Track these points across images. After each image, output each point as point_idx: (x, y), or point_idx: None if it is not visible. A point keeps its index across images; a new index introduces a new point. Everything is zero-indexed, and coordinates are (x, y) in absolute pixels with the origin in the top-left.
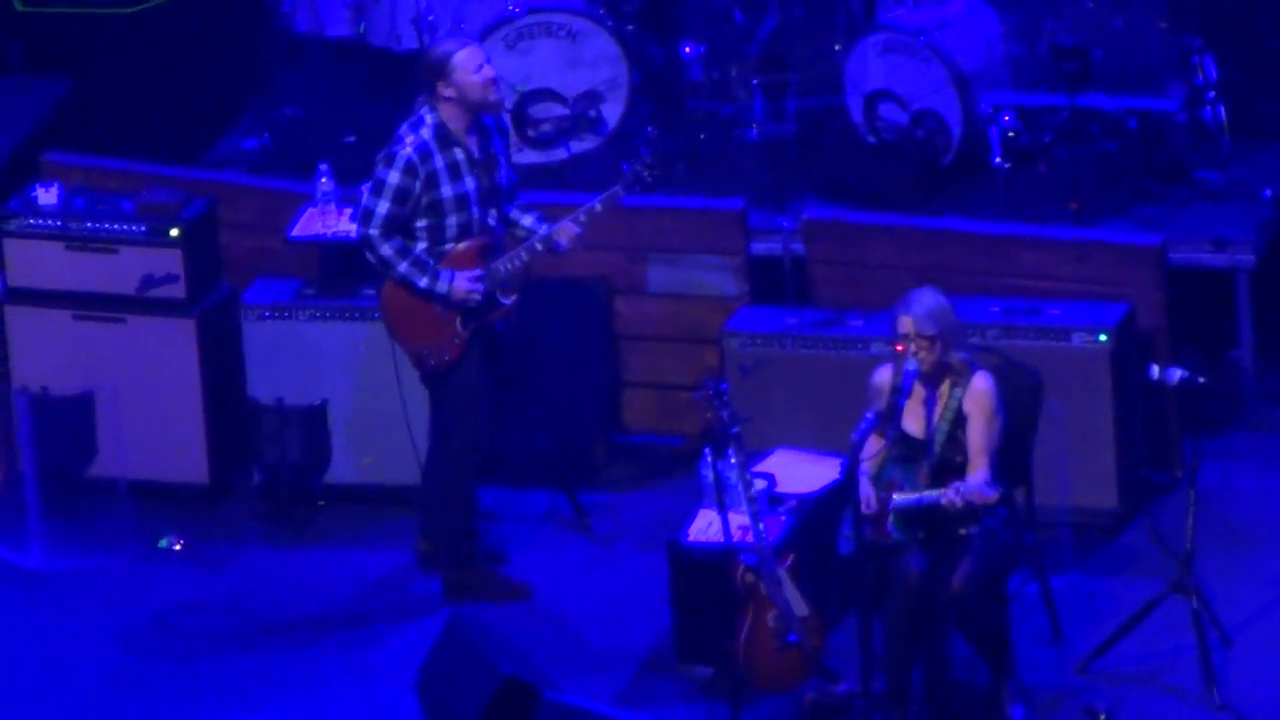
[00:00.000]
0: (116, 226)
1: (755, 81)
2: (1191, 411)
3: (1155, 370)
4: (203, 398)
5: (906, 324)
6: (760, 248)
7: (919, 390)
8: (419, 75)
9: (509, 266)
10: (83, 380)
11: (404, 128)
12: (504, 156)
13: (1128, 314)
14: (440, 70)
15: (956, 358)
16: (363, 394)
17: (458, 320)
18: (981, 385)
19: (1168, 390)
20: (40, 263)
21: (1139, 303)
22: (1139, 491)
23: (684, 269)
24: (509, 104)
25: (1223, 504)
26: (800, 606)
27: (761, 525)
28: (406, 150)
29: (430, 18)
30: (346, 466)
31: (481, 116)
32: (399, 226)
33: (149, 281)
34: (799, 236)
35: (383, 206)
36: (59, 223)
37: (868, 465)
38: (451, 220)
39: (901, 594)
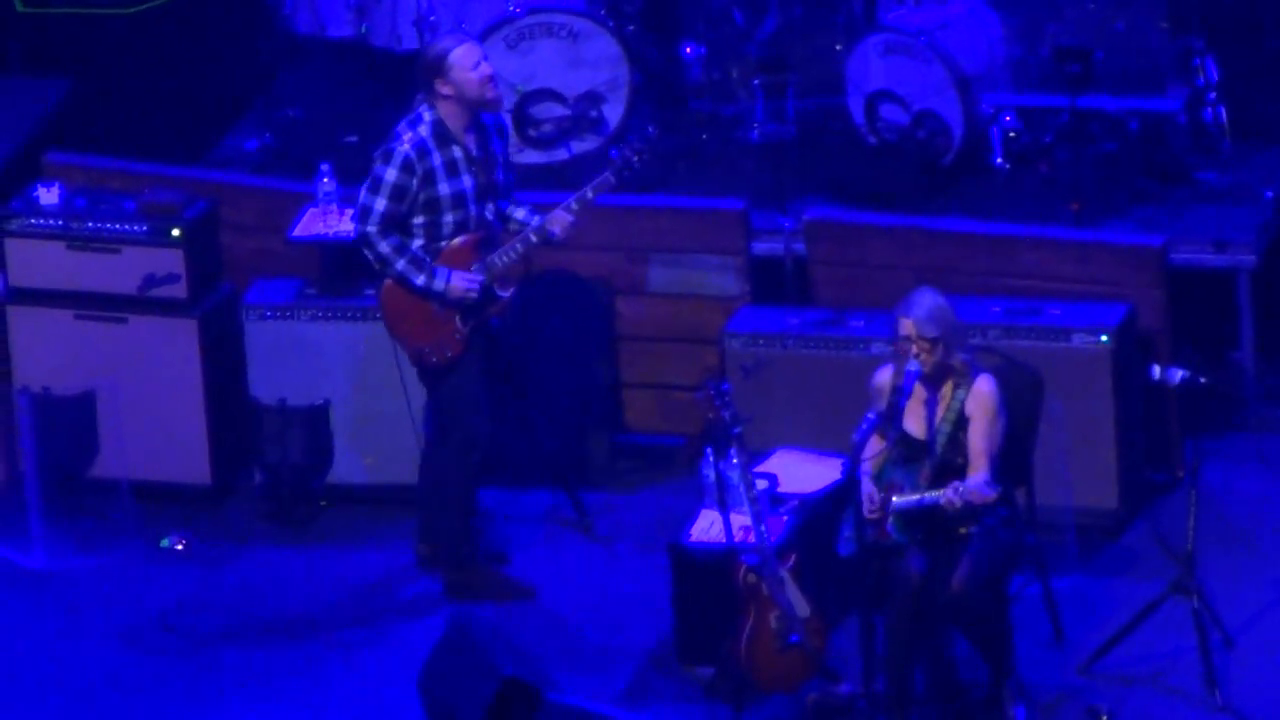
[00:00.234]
0: (118, 226)
1: (756, 82)
2: (1192, 412)
3: (1156, 371)
4: (204, 398)
5: (907, 327)
6: (761, 248)
7: (920, 391)
8: (417, 73)
9: (505, 260)
10: (84, 380)
11: (402, 125)
12: (501, 154)
13: (1129, 314)
14: (438, 68)
15: (958, 359)
16: (365, 394)
17: (457, 317)
18: (985, 387)
19: (1169, 391)
20: (42, 262)
21: (1140, 303)
22: (1140, 492)
23: (685, 269)
24: (509, 104)
25: (1224, 504)
26: (802, 607)
27: (763, 526)
28: (404, 147)
29: (432, 18)
30: (348, 466)
31: (479, 114)
32: (396, 224)
33: (151, 281)
34: (800, 237)
35: (380, 203)
36: (61, 222)
37: (869, 466)
38: (449, 218)
39: (903, 595)
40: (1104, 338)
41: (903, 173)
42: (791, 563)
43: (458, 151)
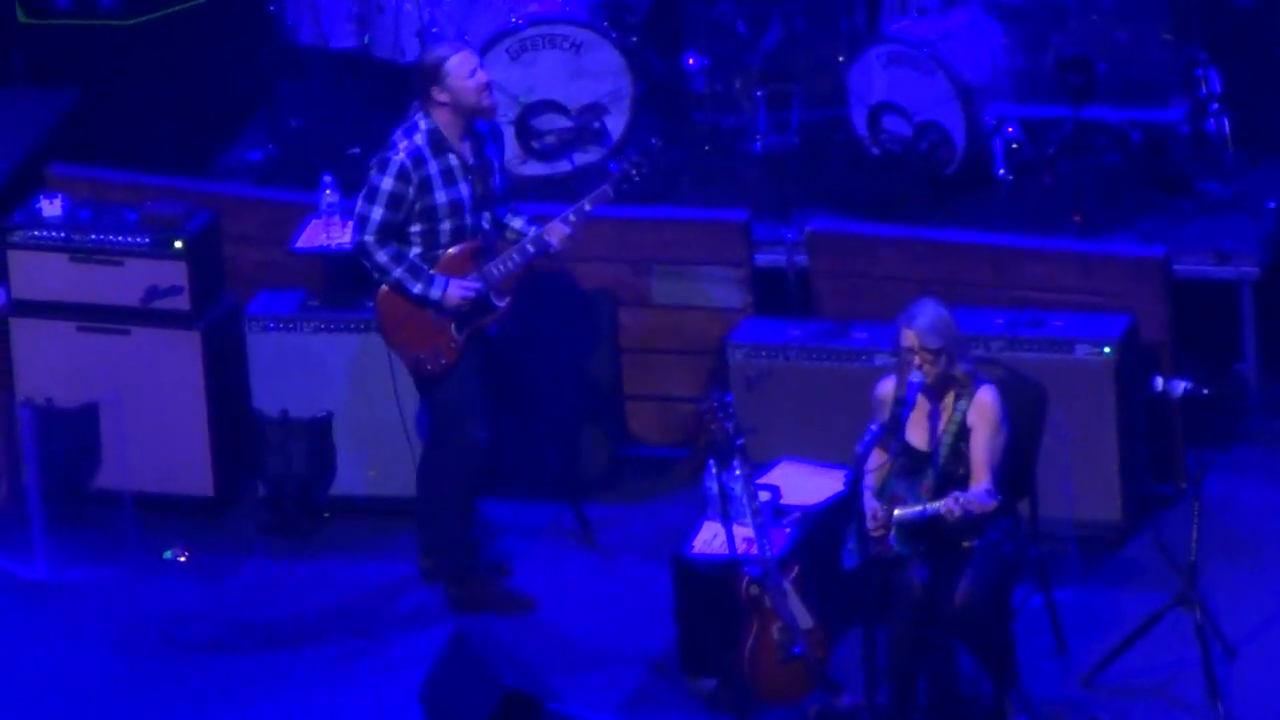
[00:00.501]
0: (121, 238)
1: (759, 93)
2: (1195, 424)
3: (1159, 382)
4: (207, 409)
5: (910, 338)
6: (764, 259)
7: (923, 403)
8: (413, 81)
9: (502, 269)
10: (87, 392)
11: (398, 134)
12: (498, 162)
13: (1131, 326)
14: (434, 75)
15: (960, 370)
16: (367, 405)
17: (452, 325)
18: (987, 398)
19: (1172, 402)
20: (45, 274)
21: (1143, 315)
22: (1143, 503)
23: (688, 281)
24: (512, 116)
25: (1227, 516)
26: (805, 618)
27: (766, 537)
28: (400, 156)
29: (434, 29)
30: (351, 478)
31: (475, 122)
32: (393, 232)
33: (153, 293)
34: (803, 248)
35: (376, 212)
36: (63, 234)
37: (872, 478)
38: (445, 225)
39: (905, 606)
40: (1107, 349)
41: (905, 184)
42: (794, 574)
43: (454, 159)
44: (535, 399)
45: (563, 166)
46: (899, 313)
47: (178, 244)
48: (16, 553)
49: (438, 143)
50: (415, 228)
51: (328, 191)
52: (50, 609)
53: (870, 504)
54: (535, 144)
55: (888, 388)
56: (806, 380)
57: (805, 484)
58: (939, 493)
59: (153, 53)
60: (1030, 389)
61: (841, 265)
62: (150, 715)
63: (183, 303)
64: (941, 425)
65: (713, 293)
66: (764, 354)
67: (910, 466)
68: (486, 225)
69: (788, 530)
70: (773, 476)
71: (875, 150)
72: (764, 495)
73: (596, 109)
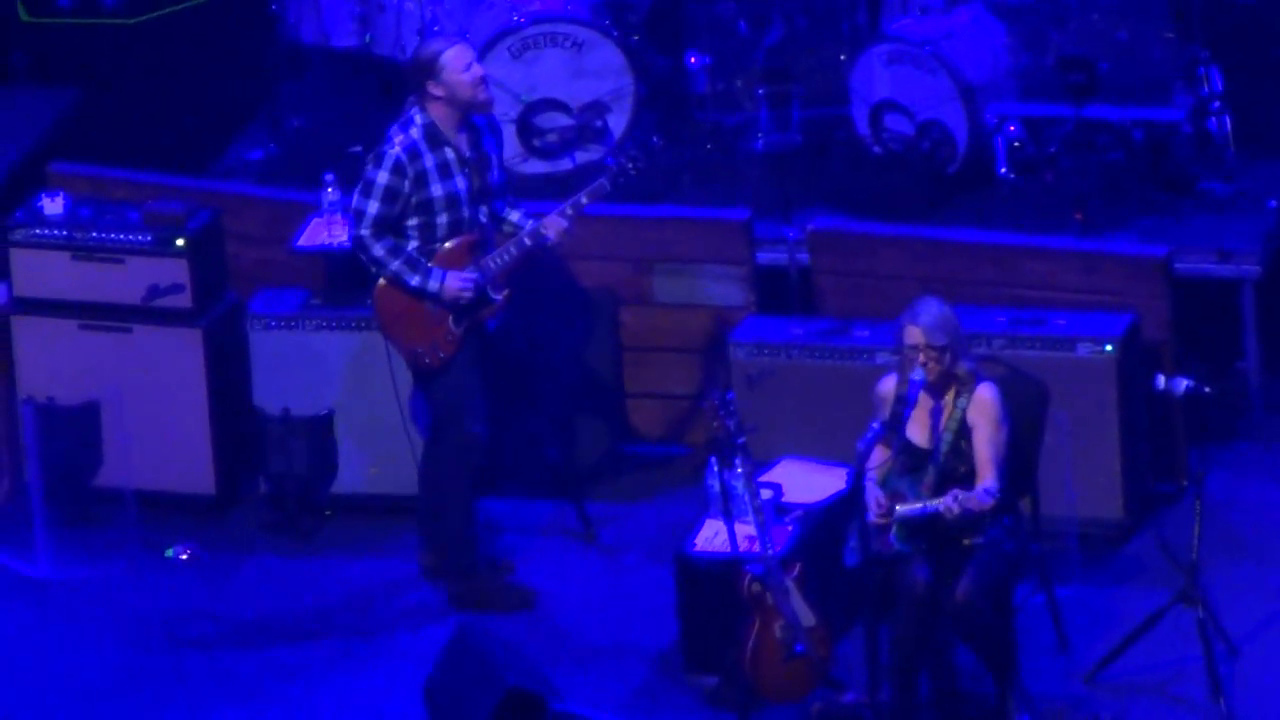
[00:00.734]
0: (122, 236)
1: (760, 92)
2: (1197, 422)
3: (1161, 380)
4: (209, 408)
5: (915, 335)
6: (766, 258)
7: (925, 400)
8: (408, 75)
9: (499, 262)
10: (89, 390)
11: (393, 128)
12: (495, 155)
13: (1133, 324)
14: (429, 69)
15: (962, 368)
16: (369, 403)
17: (450, 318)
18: (987, 395)
19: (1173, 400)
20: (46, 273)
21: (1144, 313)
22: (1145, 501)
23: (690, 279)
24: (514, 114)
25: (1229, 514)
26: (807, 616)
27: (768, 535)
28: (394, 150)
29: (436, 28)
30: (353, 476)
31: (472, 116)
32: (390, 226)
33: (155, 291)
34: (804, 247)
35: (372, 206)
36: (65, 232)
37: (874, 476)
38: (442, 219)
39: (907, 604)
40: (1108, 347)
41: (907, 183)
42: (796, 572)
43: (450, 153)
44: (537, 397)
45: (564, 165)
46: (901, 311)
47: (179, 242)
48: (19, 551)
49: (433, 136)
50: (412, 221)
51: (329, 190)
52: (52, 607)
53: (874, 492)
54: (537, 142)
55: (889, 385)
56: (808, 378)
57: (807, 482)
58: (940, 490)
59: (155, 51)
60: (1031, 387)
61: (843, 264)
62: (152, 713)
63: (184, 301)
64: (942, 423)
65: (714, 291)
66: (766, 352)
67: (911, 464)
68: (484, 219)
69: (789, 528)
70: (774, 474)
71: (877, 149)
72: (766, 493)
73: (598, 107)
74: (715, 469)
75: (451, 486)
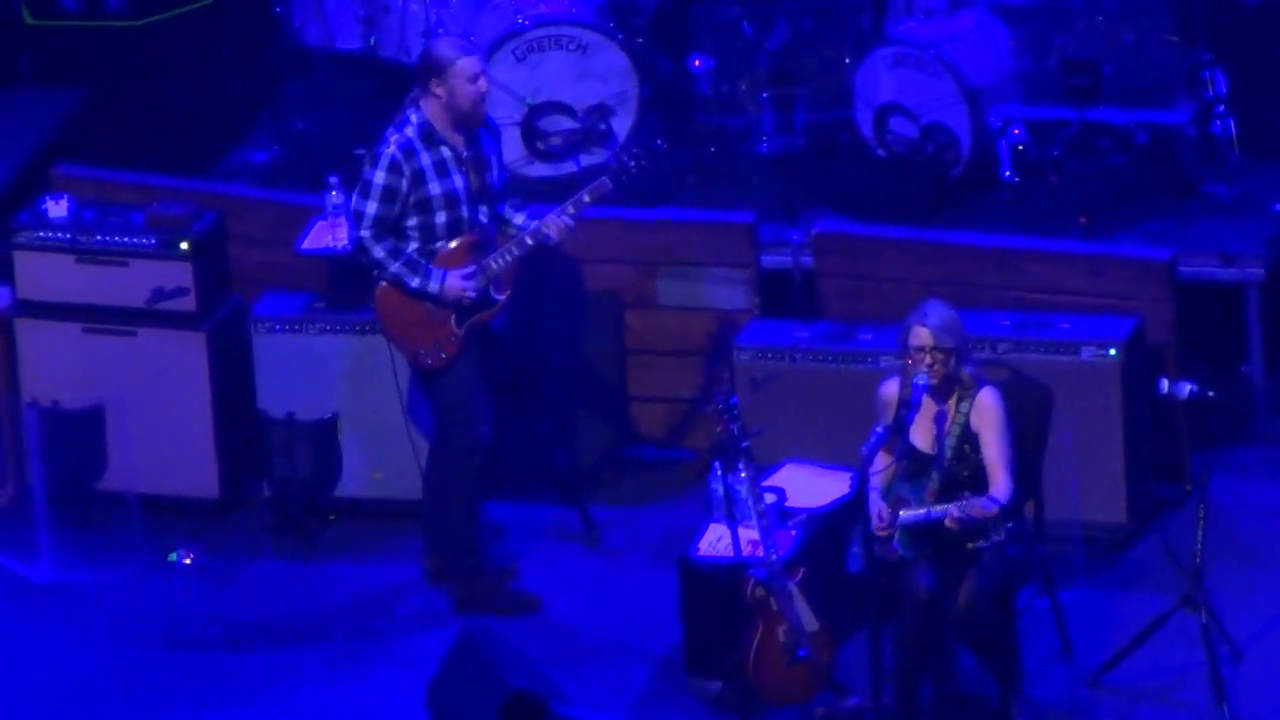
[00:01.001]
0: (127, 239)
1: (765, 95)
2: (1201, 426)
3: (1165, 384)
4: (213, 411)
5: (924, 336)
6: (770, 261)
7: (928, 405)
8: (417, 68)
9: (501, 262)
10: (93, 393)
11: (390, 129)
12: (495, 156)
13: (1137, 328)
14: (438, 69)
15: (965, 372)
16: (373, 407)
17: (452, 318)
18: (988, 400)
19: (1177, 404)
20: (50, 275)
21: (1148, 317)
22: (1148, 506)
23: (694, 282)
24: (518, 117)
25: (1232, 518)
26: (810, 621)
27: (771, 539)
28: (390, 149)
29: (440, 30)
30: (357, 480)
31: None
32: (389, 227)
33: (159, 294)
34: (809, 250)
35: (371, 207)
36: (69, 235)
37: (878, 480)
38: (441, 218)
39: (911, 609)
40: (1112, 351)
41: (911, 186)
42: (800, 576)
43: (446, 151)
44: (541, 400)
45: (568, 168)
46: (906, 314)
47: (183, 245)
48: (22, 554)
49: (429, 135)
50: (411, 221)
51: (334, 193)
52: (55, 610)
53: (876, 504)
54: (541, 145)
55: (892, 389)
56: (812, 382)
57: (811, 486)
58: (944, 496)
59: (159, 54)
60: (1035, 391)
61: (847, 267)
62: (155, 716)
63: (188, 304)
64: (946, 428)
65: (718, 294)
66: (770, 356)
67: (915, 469)
68: (484, 219)
69: (793, 532)
70: (778, 478)
71: (881, 152)
72: (769, 497)
73: (602, 110)
74: (719, 472)
75: (455, 489)
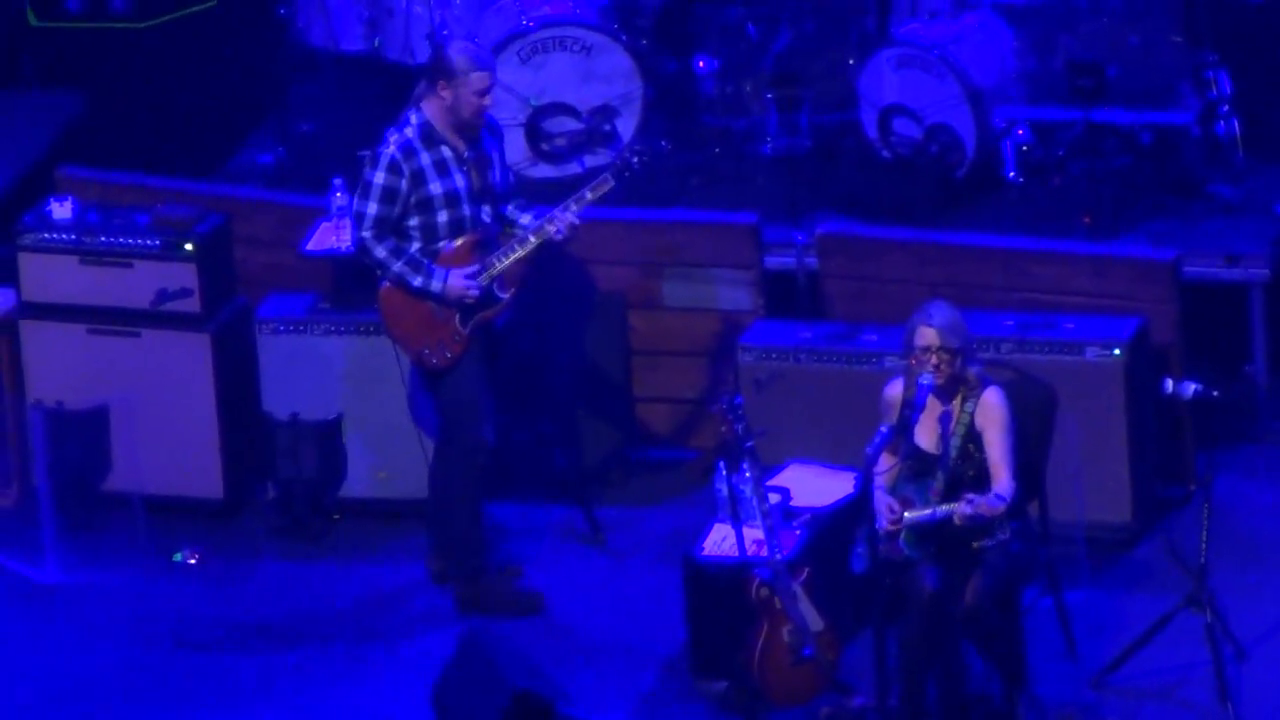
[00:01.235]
0: (131, 241)
1: (769, 96)
2: (1205, 426)
3: (1169, 384)
4: (217, 412)
5: (929, 336)
6: (774, 262)
7: (933, 405)
8: (429, 63)
9: (503, 261)
10: (97, 394)
11: (390, 130)
12: (498, 156)
13: (1141, 328)
14: (449, 73)
15: (970, 372)
16: (377, 408)
17: (456, 318)
18: (993, 399)
19: (1182, 404)
20: (55, 277)
21: (1153, 317)
22: (1153, 506)
23: (699, 283)
24: (522, 118)
25: (1237, 518)
26: (815, 620)
27: (776, 539)
28: (390, 149)
29: (445, 32)
30: (361, 481)
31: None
32: (390, 227)
33: (163, 296)
34: (813, 251)
35: (371, 208)
36: (74, 237)
37: (882, 481)
38: (442, 217)
39: (916, 609)
40: (1117, 351)
41: (916, 186)
42: (804, 576)
43: (447, 151)
44: (545, 400)
45: (573, 169)
46: (911, 314)
47: (188, 246)
48: (27, 555)
49: (428, 135)
50: (412, 221)
51: (338, 194)
52: (60, 611)
53: (884, 500)
54: (545, 146)
55: (896, 390)
56: (816, 383)
57: (815, 486)
58: (949, 495)
59: (163, 55)
60: (1040, 391)
61: (852, 268)
62: (159, 717)
63: (193, 305)
64: (951, 428)
65: (723, 295)
66: (774, 356)
67: (919, 469)
68: (486, 218)
69: (798, 532)
70: (783, 478)
71: (885, 153)
72: (774, 497)
73: (607, 111)
74: (723, 473)
75: (459, 489)
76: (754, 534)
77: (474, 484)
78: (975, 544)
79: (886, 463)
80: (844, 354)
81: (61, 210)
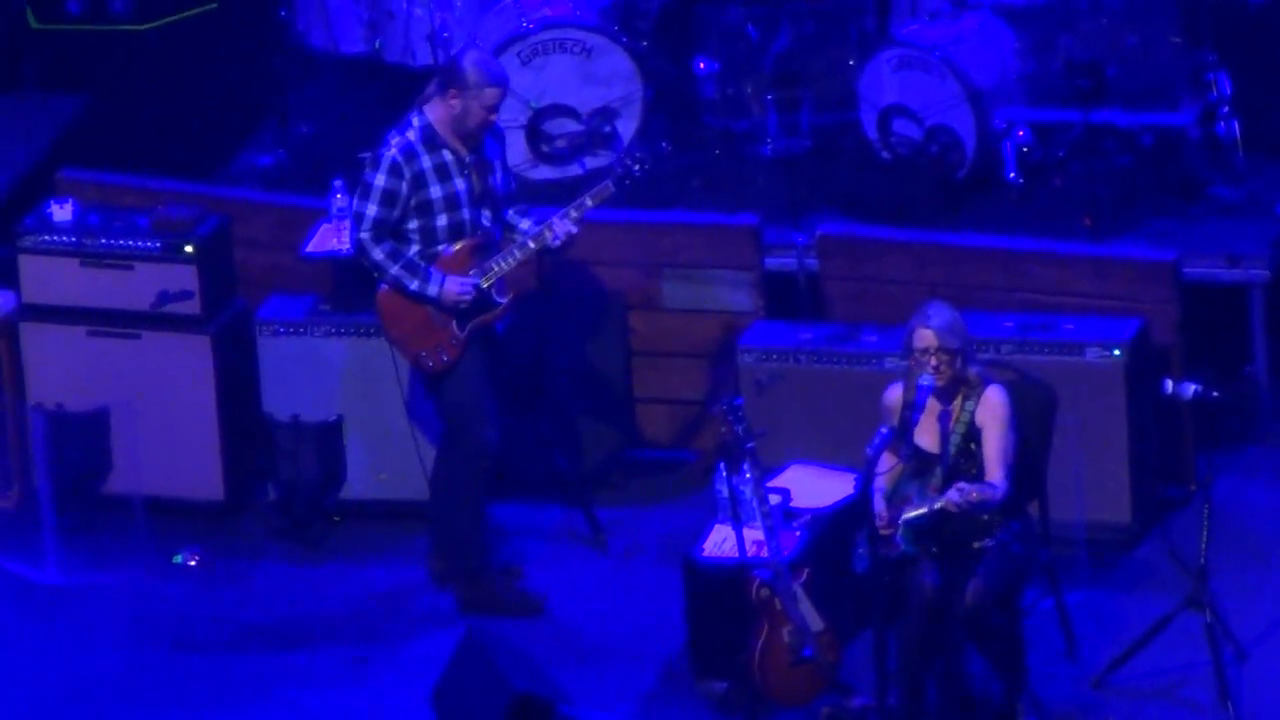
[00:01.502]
0: (131, 243)
1: (769, 97)
2: (1206, 426)
3: (1169, 385)
4: (218, 414)
5: (928, 338)
6: (775, 263)
7: (933, 405)
8: (444, 67)
9: (502, 265)
10: (98, 396)
11: (392, 132)
12: (499, 160)
13: (1142, 329)
14: (462, 83)
15: (971, 372)
16: (377, 409)
17: (454, 322)
18: (995, 397)
19: (1182, 405)
20: (55, 279)
21: (1153, 318)
22: (1153, 506)
23: (699, 284)
24: (523, 120)
25: (1237, 518)
26: (815, 621)
27: (776, 540)
28: (391, 152)
29: (445, 34)
30: (361, 482)
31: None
32: (389, 229)
33: (164, 297)
34: (813, 252)
35: (370, 209)
36: (74, 239)
37: (883, 481)
38: (442, 221)
39: (916, 609)
40: (1117, 352)
41: (916, 188)
42: (804, 577)
43: (448, 155)
44: (546, 402)
45: (573, 170)
46: (909, 316)
47: (188, 248)
48: (28, 557)
49: (430, 138)
50: (412, 224)
51: (338, 196)
52: (61, 612)
53: (878, 505)
54: (546, 148)
55: (895, 395)
56: (817, 384)
57: (815, 487)
58: (946, 490)
59: (163, 58)
60: (1040, 392)
61: (852, 269)
62: (160, 718)
63: (193, 307)
64: (951, 426)
65: (723, 296)
66: (774, 357)
67: (920, 469)
68: (486, 222)
69: (798, 533)
70: (783, 479)
71: (885, 154)
72: (774, 498)
73: (607, 113)
74: (724, 474)
75: (462, 491)
76: (754, 535)
77: (476, 486)
78: (975, 544)
79: (888, 463)
80: (844, 355)
81: (62, 212)
